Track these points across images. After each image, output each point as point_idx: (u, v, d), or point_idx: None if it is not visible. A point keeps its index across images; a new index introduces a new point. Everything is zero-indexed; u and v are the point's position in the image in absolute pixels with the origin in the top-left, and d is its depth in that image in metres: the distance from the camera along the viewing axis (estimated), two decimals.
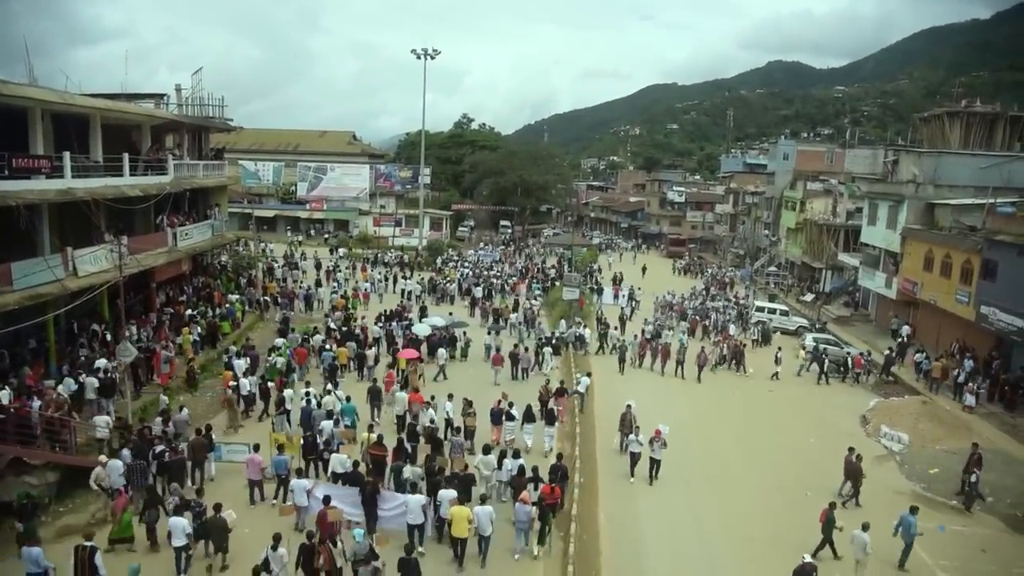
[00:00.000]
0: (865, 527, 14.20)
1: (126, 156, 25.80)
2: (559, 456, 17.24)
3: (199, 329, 27.43)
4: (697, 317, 39.13)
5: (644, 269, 60.33)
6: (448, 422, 19.75)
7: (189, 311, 29.15)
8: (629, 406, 20.57)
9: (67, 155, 21.76)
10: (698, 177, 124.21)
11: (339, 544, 13.26)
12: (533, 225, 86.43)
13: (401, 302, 37.53)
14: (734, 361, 31.25)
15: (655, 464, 18.60)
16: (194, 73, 34.66)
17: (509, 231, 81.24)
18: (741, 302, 46.14)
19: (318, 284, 40.22)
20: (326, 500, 14.30)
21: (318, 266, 45.62)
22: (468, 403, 20.19)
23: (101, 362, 20.84)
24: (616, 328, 34.56)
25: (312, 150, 75.31)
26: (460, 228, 77.67)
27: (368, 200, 70.05)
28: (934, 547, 15.92)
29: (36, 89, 21.84)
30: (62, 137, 23.34)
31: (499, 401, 20.57)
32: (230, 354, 25.00)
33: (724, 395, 28.16)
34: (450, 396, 20.74)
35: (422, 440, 18.22)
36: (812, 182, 55.69)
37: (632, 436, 19.04)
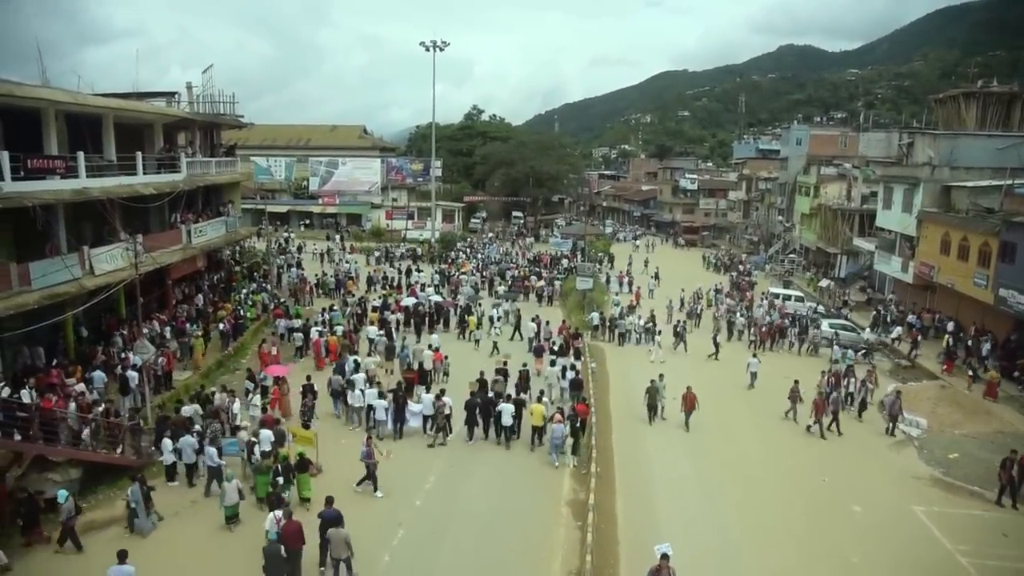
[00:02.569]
0: None
1: (139, 155, 26.00)
2: (576, 371, 23.91)
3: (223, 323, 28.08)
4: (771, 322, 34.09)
5: (651, 246, 60.54)
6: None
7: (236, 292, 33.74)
8: (666, 556, 11.56)
9: (81, 155, 21.95)
10: (710, 164, 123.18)
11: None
12: (545, 216, 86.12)
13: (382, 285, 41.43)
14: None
15: None
16: (204, 70, 34.79)
17: (521, 221, 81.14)
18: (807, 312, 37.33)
19: (298, 266, 44.86)
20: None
21: (300, 249, 51.79)
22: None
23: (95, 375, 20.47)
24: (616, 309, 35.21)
25: (323, 145, 75.41)
26: (472, 220, 77.63)
27: (380, 194, 70.24)
28: (954, 531, 15.86)
29: (49, 90, 22.05)
30: (76, 137, 23.54)
31: (538, 334, 29.25)
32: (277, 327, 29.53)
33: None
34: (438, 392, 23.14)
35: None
36: (826, 167, 55.14)
37: None
